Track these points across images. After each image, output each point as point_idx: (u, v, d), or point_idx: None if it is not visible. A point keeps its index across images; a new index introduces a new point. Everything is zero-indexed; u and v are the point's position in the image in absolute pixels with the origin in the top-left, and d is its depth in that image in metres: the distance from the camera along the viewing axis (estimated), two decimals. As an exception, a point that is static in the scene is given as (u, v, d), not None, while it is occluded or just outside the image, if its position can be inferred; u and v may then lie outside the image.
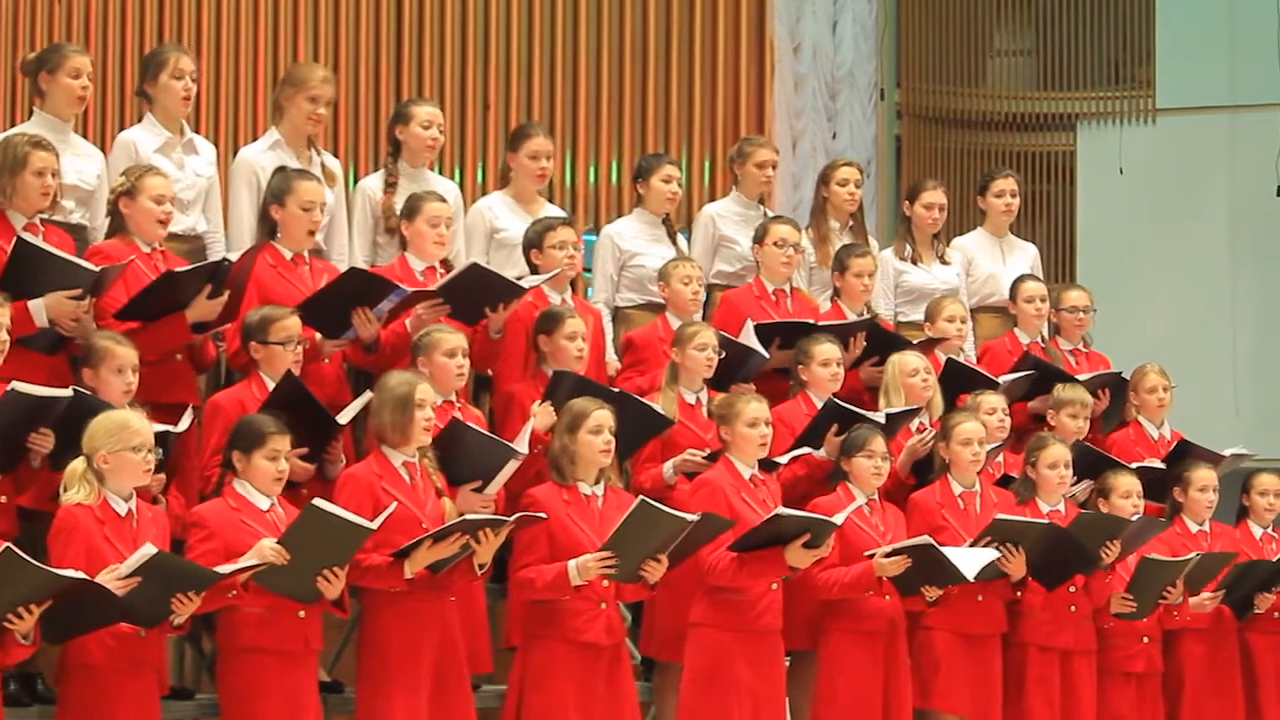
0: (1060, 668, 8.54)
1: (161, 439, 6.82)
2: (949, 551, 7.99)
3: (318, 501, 6.67)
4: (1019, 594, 8.41)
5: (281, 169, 8.30)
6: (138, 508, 6.52)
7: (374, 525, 6.71)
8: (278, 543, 6.57)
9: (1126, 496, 8.81)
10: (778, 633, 7.87)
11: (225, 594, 6.56)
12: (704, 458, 8.17)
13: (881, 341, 9.14)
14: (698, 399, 8.47)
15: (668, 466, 8.28)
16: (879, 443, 8.18)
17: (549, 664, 7.31)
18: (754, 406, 7.94)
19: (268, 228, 8.10)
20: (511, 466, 7.51)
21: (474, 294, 8.11)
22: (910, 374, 8.84)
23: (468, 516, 7.03)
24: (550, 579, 7.26)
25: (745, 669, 7.71)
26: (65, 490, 6.42)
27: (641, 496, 7.38)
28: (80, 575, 6.06)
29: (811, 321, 9.15)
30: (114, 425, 6.48)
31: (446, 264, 8.58)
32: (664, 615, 8.13)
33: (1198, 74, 14.24)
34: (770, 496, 7.95)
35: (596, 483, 7.48)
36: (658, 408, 8.24)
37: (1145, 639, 8.84)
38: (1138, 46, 14.68)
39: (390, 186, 8.91)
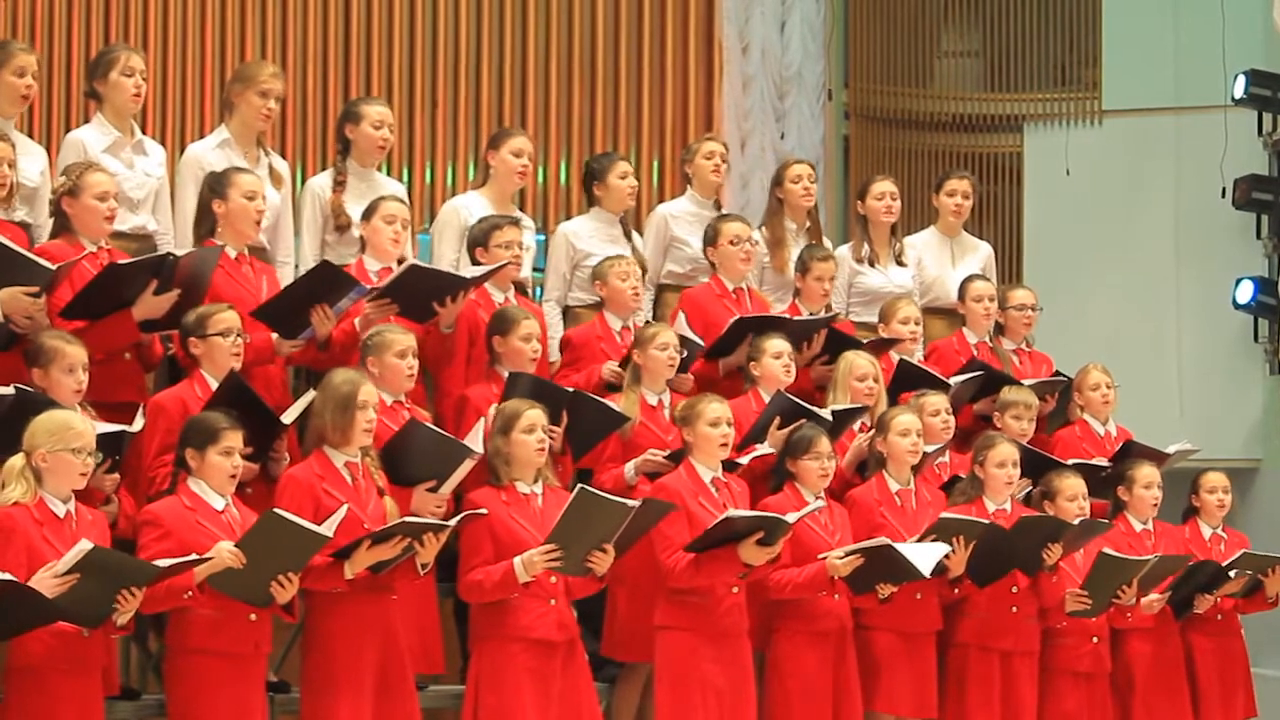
0: (1001, 668, 8.58)
1: (115, 439, 6.82)
2: (904, 549, 8.02)
3: (276, 510, 6.68)
4: (956, 591, 8.45)
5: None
6: (76, 510, 6.51)
7: (330, 532, 6.72)
8: (235, 546, 6.57)
9: (1072, 499, 8.85)
10: (744, 634, 7.90)
11: (180, 595, 6.55)
12: (665, 458, 8.18)
13: (837, 342, 9.17)
14: (660, 400, 8.49)
15: (629, 467, 8.30)
16: (824, 443, 8.20)
17: (502, 663, 7.31)
18: (714, 407, 7.97)
19: (207, 226, 8.07)
20: (466, 466, 7.52)
21: (420, 292, 8.12)
22: (859, 378, 8.88)
23: (408, 519, 7.04)
24: (498, 578, 7.26)
25: (713, 669, 7.76)
26: (3, 488, 6.41)
27: (581, 485, 7.38)
28: (8, 577, 6.05)
29: (786, 316, 9.19)
30: (56, 425, 6.47)
31: (401, 262, 8.57)
32: (624, 616, 8.16)
33: (1143, 76, 14.29)
34: (732, 499, 7.97)
35: (535, 482, 7.49)
36: (613, 405, 8.25)
37: (1094, 639, 8.88)
38: (1084, 49, 14.71)
39: (339, 185, 8.92)
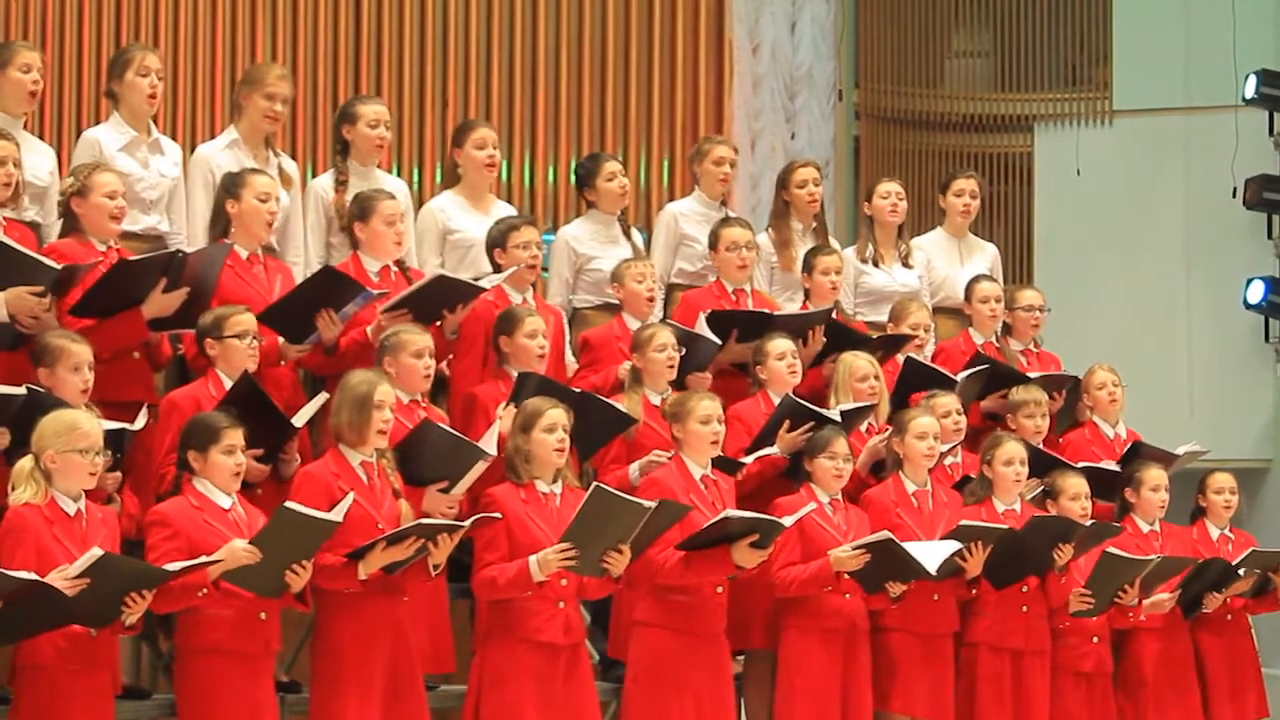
0: (1012, 667, 8.57)
1: (117, 437, 6.82)
2: (910, 546, 8.02)
3: (289, 504, 6.69)
4: (974, 592, 8.45)
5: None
6: (87, 508, 6.52)
7: (339, 518, 6.72)
8: (249, 543, 6.59)
9: (1075, 499, 8.84)
10: (722, 635, 7.88)
11: (195, 593, 6.56)
12: (668, 459, 8.17)
13: (842, 338, 9.17)
14: (662, 400, 8.46)
15: (633, 468, 8.28)
16: (841, 444, 8.20)
17: (507, 663, 7.30)
18: (706, 404, 7.95)
19: (221, 227, 8.08)
20: (480, 467, 7.51)
21: (438, 299, 8.12)
22: (860, 379, 8.87)
23: (423, 521, 7.05)
24: (512, 576, 7.25)
25: (690, 670, 7.72)
26: (13, 489, 6.42)
27: (597, 484, 7.36)
28: (31, 576, 6.06)
29: (768, 311, 9.19)
30: (63, 425, 6.48)
31: (400, 263, 8.58)
32: (629, 616, 8.11)
33: (1154, 76, 14.29)
34: (721, 497, 7.95)
35: (554, 482, 7.48)
36: (620, 406, 8.25)
37: (1095, 639, 8.88)
38: (1095, 48, 14.73)
39: (341, 185, 8.91)
